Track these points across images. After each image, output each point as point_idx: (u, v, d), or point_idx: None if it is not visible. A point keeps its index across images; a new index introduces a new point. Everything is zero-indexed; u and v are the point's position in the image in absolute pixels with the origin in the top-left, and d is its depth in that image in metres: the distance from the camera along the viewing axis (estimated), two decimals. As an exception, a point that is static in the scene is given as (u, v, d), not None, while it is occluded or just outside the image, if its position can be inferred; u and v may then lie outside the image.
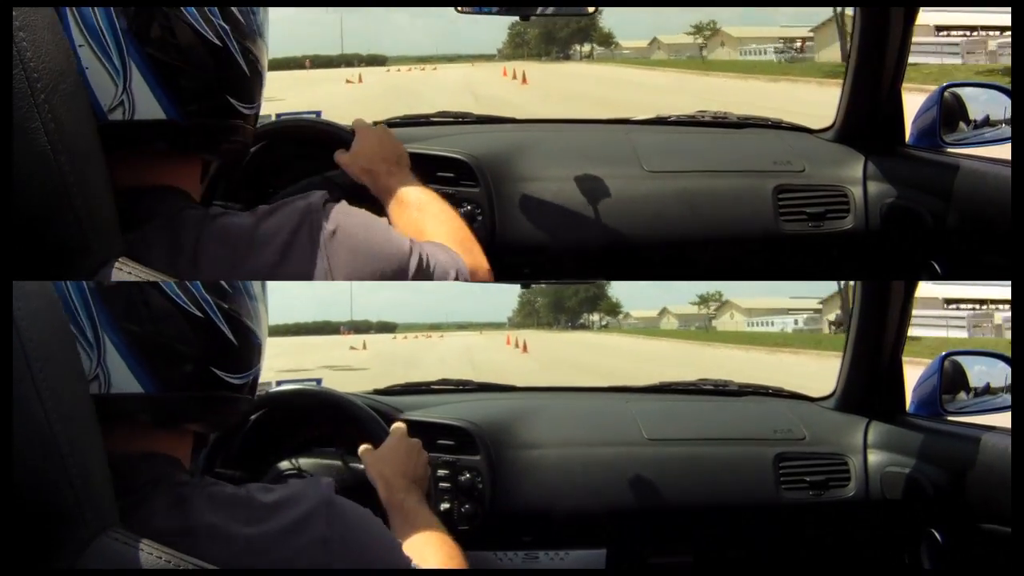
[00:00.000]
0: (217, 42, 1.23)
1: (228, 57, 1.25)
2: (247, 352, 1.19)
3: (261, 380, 1.47)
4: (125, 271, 1.01)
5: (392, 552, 1.24)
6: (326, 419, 2.05)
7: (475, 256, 1.60)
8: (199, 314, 1.12)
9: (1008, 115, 2.24)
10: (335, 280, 1.27)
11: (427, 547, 1.56)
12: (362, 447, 1.81)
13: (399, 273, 1.36)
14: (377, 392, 2.57)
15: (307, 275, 1.26)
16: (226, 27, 1.24)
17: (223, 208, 1.36)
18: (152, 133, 1.18)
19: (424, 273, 1.40)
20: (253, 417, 2.01)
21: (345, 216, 1.32)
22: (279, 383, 2.49)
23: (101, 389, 1.06)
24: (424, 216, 1.68)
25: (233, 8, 1.25)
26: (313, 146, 1.91)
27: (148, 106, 1.17)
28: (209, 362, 1.14)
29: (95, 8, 1.12)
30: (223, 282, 1.15)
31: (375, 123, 1.95)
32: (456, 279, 1.47)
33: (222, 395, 1.17)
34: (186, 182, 1.32)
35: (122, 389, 1.07)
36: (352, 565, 1.14)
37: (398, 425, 1.86)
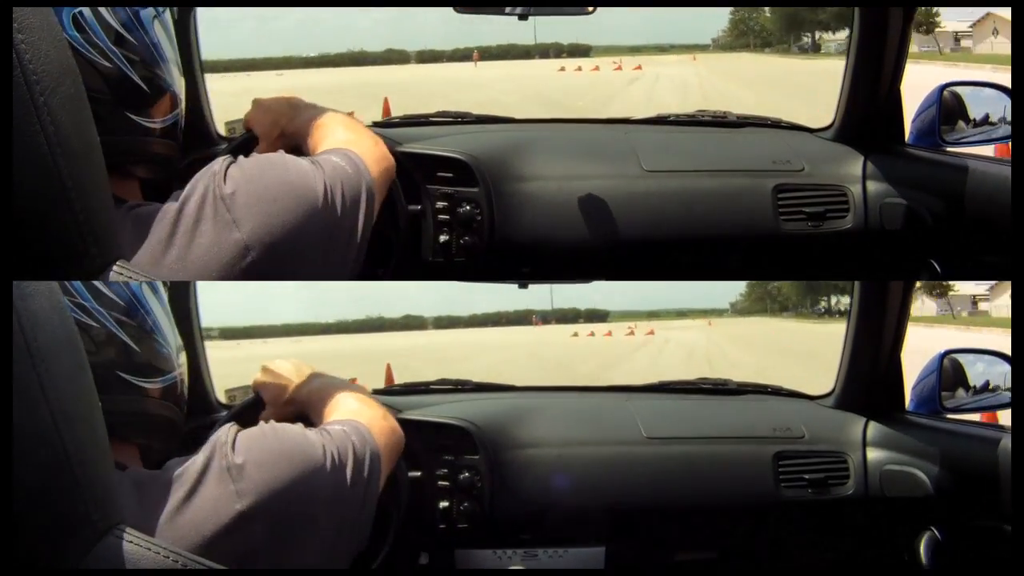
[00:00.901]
0: (107, 64, 1.28)
1: (120, 77, 1.29)
2: (151, 357, 1.25)
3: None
4: (125, 275, 1.00)
5: (307, 443, 1.32)
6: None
7: (361, 138, 1.65)
8: (93, 324, 1.18)
9: (1007, 114, 2.24)
10: (243, 231, 1.31)
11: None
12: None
13: (307, 201, 1.39)
14: (376, 392, 2.57)
15: (218, 235, 1.30)
16: (116, 50, 1.29)
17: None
18: None
19: (333, 189, 1.43)
20: (252, 416, 2.01)
21: (240, 170, 1.37)
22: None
23: None
24: (321, 132, 1.71)
25: (125, 32, 1.30)
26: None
27: None
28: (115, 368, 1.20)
29: None
30: (117, 297, 1.20)
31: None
32: (351, 168, 1.51)
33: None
34: (122, 191, 1.36)
35: None
36: (270, 476, 1.22)
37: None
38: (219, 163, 1.37)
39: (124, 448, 1.25)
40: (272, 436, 1.30)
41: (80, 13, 1.25)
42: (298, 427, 1.37)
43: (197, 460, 1.21)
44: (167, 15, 1.42)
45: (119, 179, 1.34)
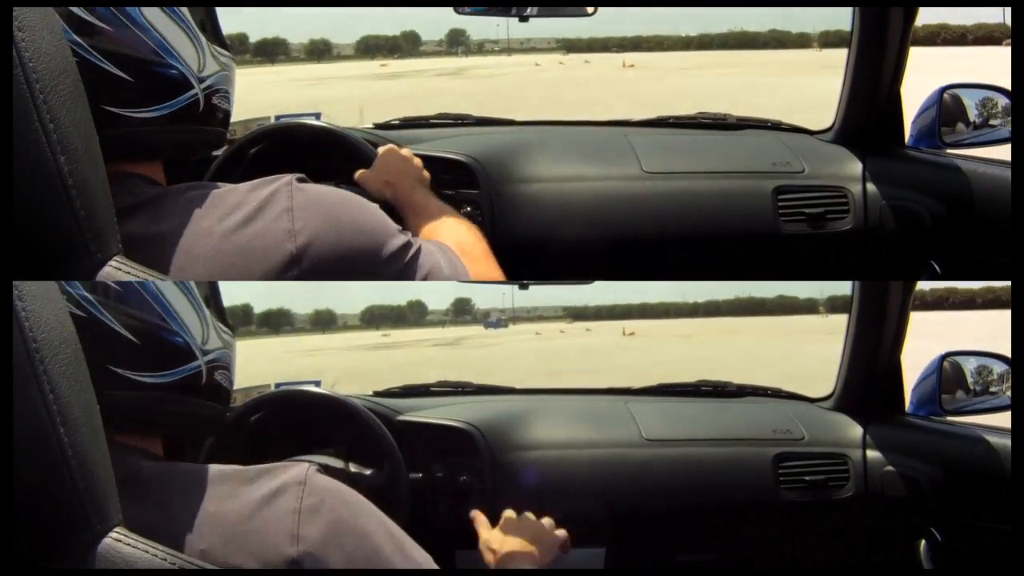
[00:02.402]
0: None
1: (91, 69, 1.17)
2: (156, 350, 1.17)
3: (259, 383, 1.42)
4: (124, 271, 1.00)
5: (376, 522, 1.22)
6: (326, 420, 2.05)
7: (481, 264, 1.59)
8: (80, 314, 1.10)
9: (1007, 116, 2.25)
10: (299, 243, 1.25)
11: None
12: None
13: (374, 250, 1.33)
14: (376, 394, 2.57)
15: (270, 236, 1.24)
16: (80, 40, 1.17)
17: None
18: None
19: (406, 260, 1.37)
20: (252, 419, 2.01)
21: (323, 187, 1.33)
22: (278, 385, 2.49)
23: None
24: (438, 224, 1.70)
25: (93, 19, 1.18)
26: (324, 153, 1.92)
27: None
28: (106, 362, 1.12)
29: None
30: (116, 285, 1.12)
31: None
32: (446, 277, 1.44)
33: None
34: (147, 171, 1.31)
35: None
36: (329, 533, 1.13)
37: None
38: (295, 175, 1.31)
39: (143, 440, 1.20)
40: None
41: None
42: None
43: (272, 480, 1.15)
44: None
45: (135, 163, 1.28)
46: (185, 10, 1.29)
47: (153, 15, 1.25)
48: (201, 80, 1.31)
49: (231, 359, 1.31)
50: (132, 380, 1.14)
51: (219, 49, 1.36)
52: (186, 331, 1.20)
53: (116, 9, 1.20)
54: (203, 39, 1.33)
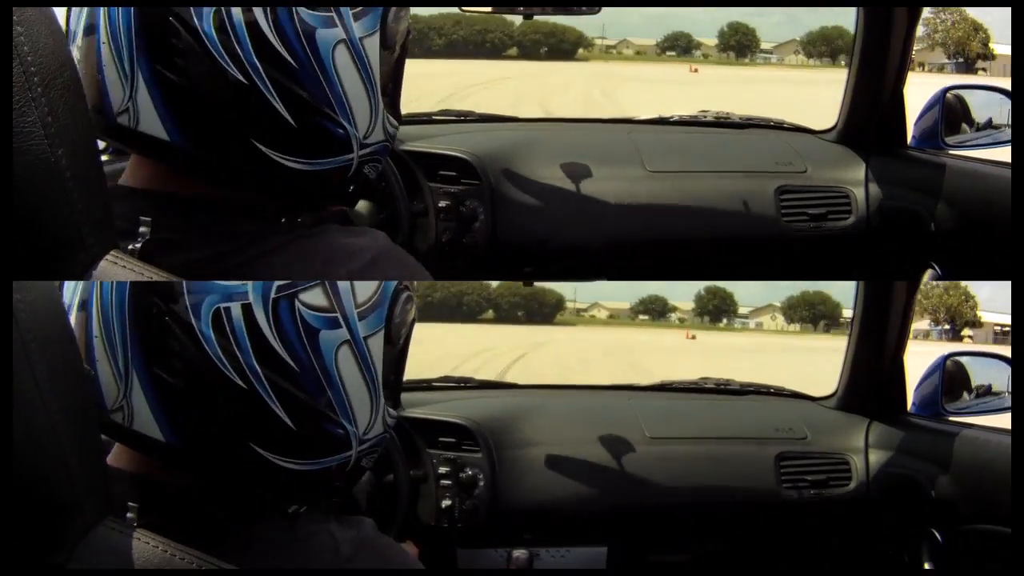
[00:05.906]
0: (242, 79, 1.06)
1: (256, 98, 1.07)
2: (308, 437, 1.06)
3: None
4: (119, 265, 1.00)
5: None
6: None
7: None
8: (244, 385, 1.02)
9: (1008, 117, 2.25)
10: None
11: None
12: None
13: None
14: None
15: None
16: (257, 64, 1.06)
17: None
18: (152, 150, 1.10)
19: None
20: None
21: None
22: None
23: None
24: None
25: (280, 47, 1.07)
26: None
27: (150, 121, 1.07)
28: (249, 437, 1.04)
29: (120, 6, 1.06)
30: (288, 359, 1.02)
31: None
32: None
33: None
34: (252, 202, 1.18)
35: None
36: None
37: None
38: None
39: None
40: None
41: (227, 13, 1.04)
42: None
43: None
44: (368, 42, 1.13)
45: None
46: (376, 65, 1.14)
47: (344, 64, 1.10)
48: (363, 146, 1.16)
49: (383, 444, 1.18)
50: (276, 465, 1.07)
51: (391, 118, 1.21)
52: (351, 417, 1.09)
53: (308, 45, 1.07)
54: (381, 104, 1.17)
